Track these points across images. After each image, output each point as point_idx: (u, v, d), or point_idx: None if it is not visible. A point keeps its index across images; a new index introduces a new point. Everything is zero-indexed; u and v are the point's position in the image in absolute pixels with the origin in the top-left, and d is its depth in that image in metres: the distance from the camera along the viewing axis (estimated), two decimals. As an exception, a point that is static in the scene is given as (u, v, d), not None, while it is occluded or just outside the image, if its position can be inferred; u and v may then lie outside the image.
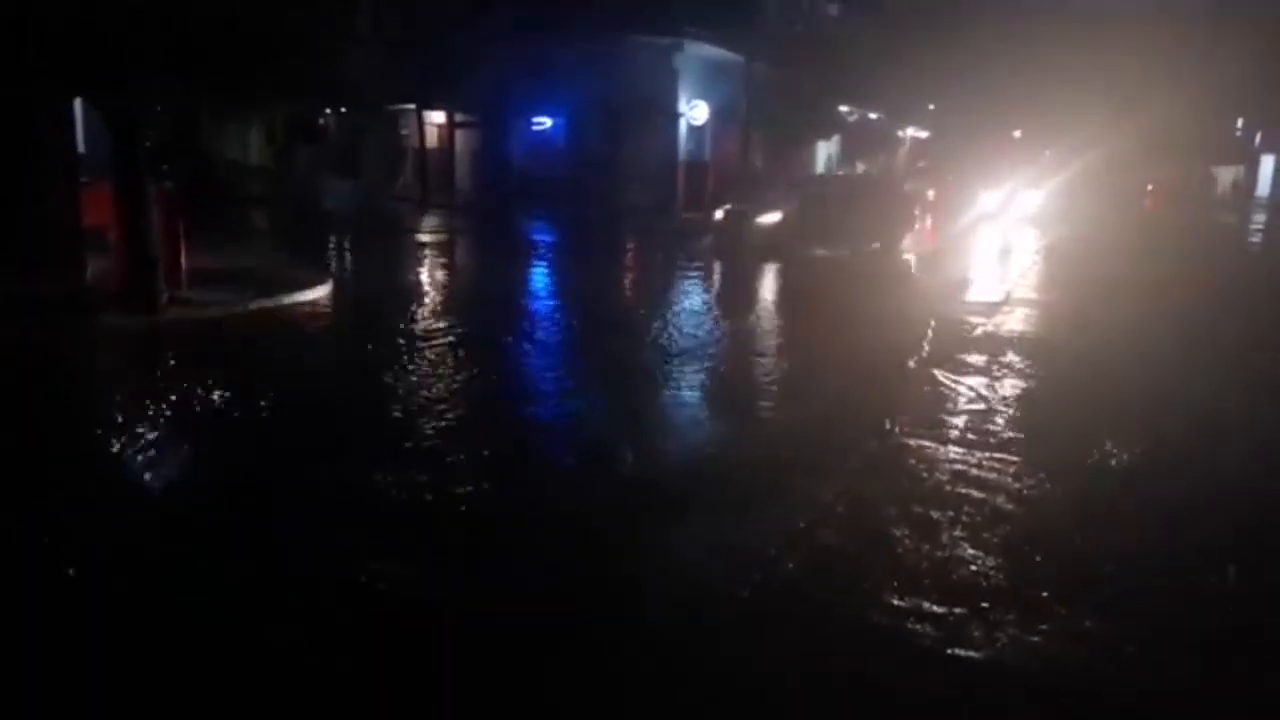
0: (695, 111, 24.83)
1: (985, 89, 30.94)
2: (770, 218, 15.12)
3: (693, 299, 12.18)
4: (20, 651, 3.28)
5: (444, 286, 13.14)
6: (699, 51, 24.04)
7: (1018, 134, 37.56)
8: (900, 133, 38.74)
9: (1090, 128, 29.77)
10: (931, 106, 36.16)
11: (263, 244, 17.90)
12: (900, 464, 5.39)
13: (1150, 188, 33.00)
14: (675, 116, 24.55)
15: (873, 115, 34.58)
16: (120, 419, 6.06)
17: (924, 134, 39.77)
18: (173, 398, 6.57)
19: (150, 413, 6.19)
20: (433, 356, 7.99)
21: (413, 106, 27.03)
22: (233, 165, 25.95)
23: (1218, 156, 41.22)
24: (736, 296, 12.55)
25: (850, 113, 32.80)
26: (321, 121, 32.59)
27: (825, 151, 32.73)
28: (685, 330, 9.45)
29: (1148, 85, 29.63)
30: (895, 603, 3.70)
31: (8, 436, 5.58)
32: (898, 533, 4.39)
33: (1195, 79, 30.11)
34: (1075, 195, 27.65)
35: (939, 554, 4.17)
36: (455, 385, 7.11)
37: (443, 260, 15.87)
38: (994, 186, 24.67)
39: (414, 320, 9.79)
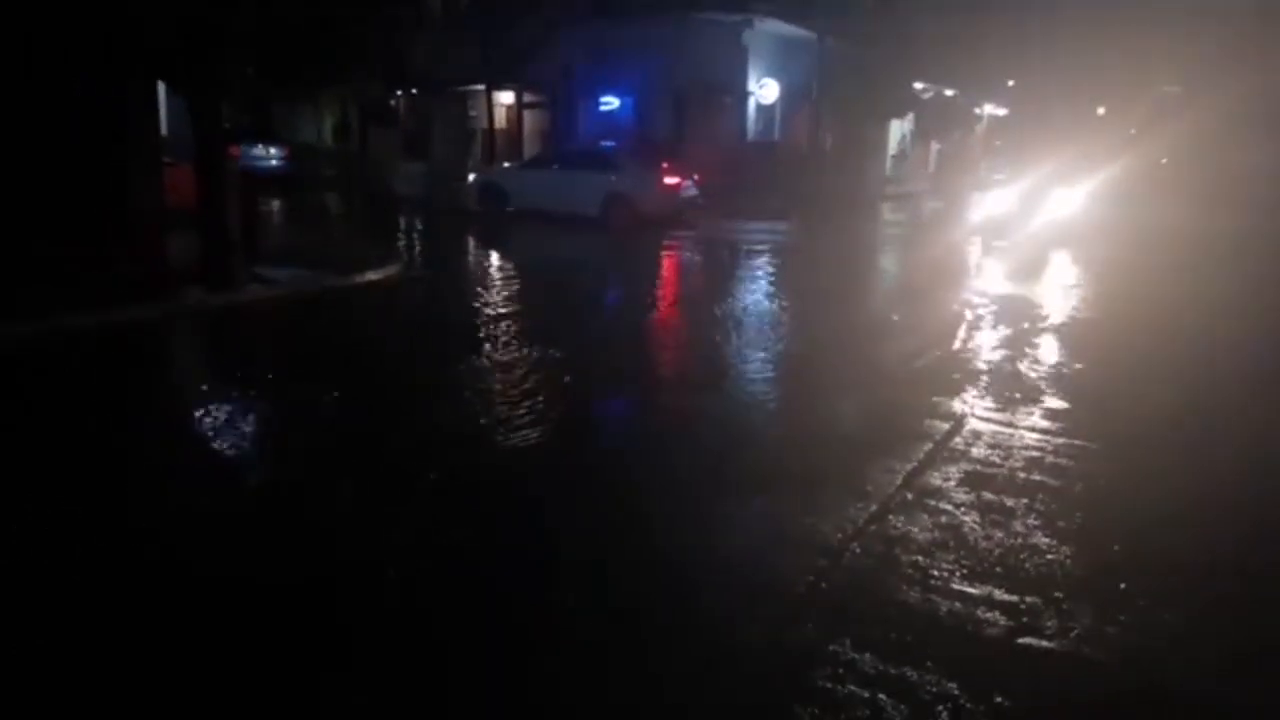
0: (764, 90, 24.44)
1: (1063, 57, 29.43)
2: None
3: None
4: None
5: (510, 266, 13.22)
6: (769, 28, 23.64)
7: (1101, 111, 35.97)
8: (977, 110, 37.55)
9: (1172, 98, 27.22)
10: (1011, 82, 34.96)
11: (336, 225, 18.32)
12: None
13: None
14: (744, 96, 24.24)
15: (949, 92, 33.60)
16: (217, 392, 6.30)
17: (1002, 111, 38.50)
18: (266, 373, 6.91)
19: (245, 386, 6.47)
20: (501, 332, 8.14)
21: (481, 87, 27.21)
22: (306, 148, 26.60)
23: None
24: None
25: (925, 89, 31.93)
26: (392, 104, 33.06)
27: (900, 130, 31.92)
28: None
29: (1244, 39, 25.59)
30: (967, 590, 3.60)
31: (123, 416, 5.82)
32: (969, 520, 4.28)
33: None
34: (1140, 193, 19.02)
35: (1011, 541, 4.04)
36: (524, 358, 7.15)
37: (510, 241, 15.99)
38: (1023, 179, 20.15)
39: (482, 298, 9.90)
